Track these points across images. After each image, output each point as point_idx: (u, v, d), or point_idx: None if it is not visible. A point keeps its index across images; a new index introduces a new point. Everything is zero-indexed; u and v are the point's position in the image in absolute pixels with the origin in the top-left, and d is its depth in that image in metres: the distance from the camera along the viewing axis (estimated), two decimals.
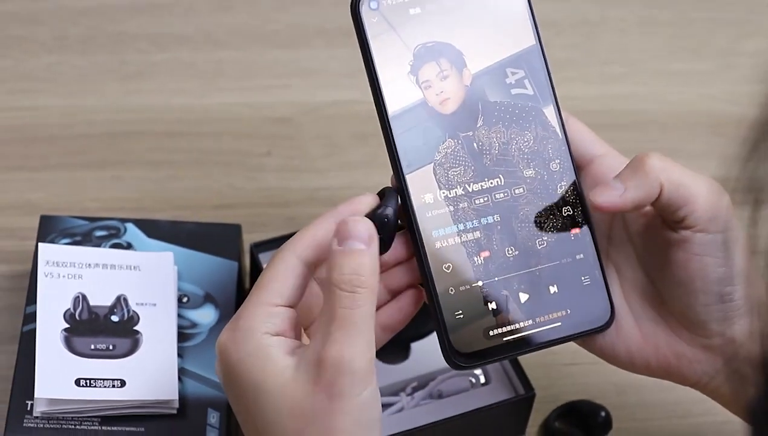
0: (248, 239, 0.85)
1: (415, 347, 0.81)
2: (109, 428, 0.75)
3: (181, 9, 1.06)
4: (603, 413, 0.82)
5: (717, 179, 0.66)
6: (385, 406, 0.79)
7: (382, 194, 0.67)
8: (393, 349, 0.81)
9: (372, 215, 0.66)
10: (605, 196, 0.65)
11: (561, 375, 0.83)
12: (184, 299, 0.81)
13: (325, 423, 0.61)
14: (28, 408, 0.75)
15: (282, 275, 0.65)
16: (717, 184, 0.66)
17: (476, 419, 0.79)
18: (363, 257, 0.62)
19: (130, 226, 0.84)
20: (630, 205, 0.65)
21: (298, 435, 0.62)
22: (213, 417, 0.76)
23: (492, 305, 0.67)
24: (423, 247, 0.66)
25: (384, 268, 0.67)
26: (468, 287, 0.66)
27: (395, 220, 0.66)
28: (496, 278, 0.67)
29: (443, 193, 0.66)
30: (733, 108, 1.01)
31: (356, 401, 0.61)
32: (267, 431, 0.63)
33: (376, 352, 0.74)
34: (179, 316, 0.80)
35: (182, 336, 0.79)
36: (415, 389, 0.81)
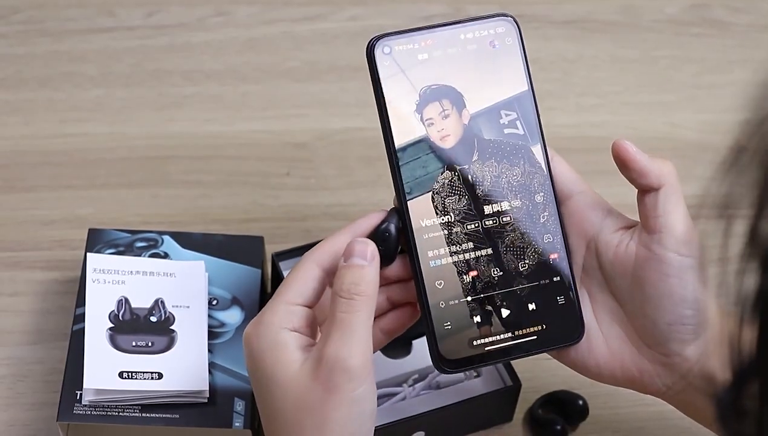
0: (270, 249, 0.85)
1: (416, 343, 0.81)
2: (148, 414, 0.75)
3: (210, 49, 1.06)
4: (580, 402, 0.81)
5: (691, 197, 0.66)
6: (389, 396, 0.79)
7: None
8: (396, 345, 0.81)
9: (376, 230, 0.66)
10: (627, 144, 0.66)
11: (543, 368, 0.82)
12: (214, 302, 0.81)
13: (320, 414, 0.61)
14: (78, 397, 0.75)
15: (302, 278, 0.65)
16: (692, 222, 0.66)
17: (470, 407, 0.78)
18: (362, 271, 0.63)
19: (166, 238, 0.84)
20: (636, 164, 0.65)
21: (298, 424, 0.61)
22: (239, 405, 0.76)
23: (477, 319, 0.66)
24: (419, 265, 0.66)
25: (386, 281, 0.68)
26: (456, 301, 0.66)
27: (396, 235, 0.66)
28: (482, 295, 0.67)
29: (439, 218, 0.66)
30: (694, 134, 1.01)
31: (350, 396, 0.61)
32: (275, 418, 0.63)
33: (382, 348, 0.74)
34: (209, 316, 0.80)
35: (212, 334, 0.79)
36: (416, 381, 0.80)
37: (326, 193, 0.95)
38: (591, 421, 0.81)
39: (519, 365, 0.79)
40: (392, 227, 0.66)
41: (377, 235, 0.66)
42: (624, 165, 0.66)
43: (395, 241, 0.66)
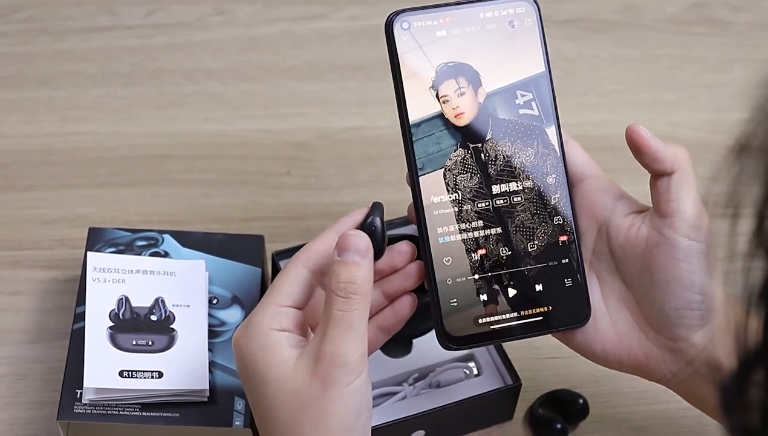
0: (270, 248, 0.85)
1: (417, 342, 0.81)
2: (148, 413, 0.75)
3: (211, 48, 1.05)
4: (581, 401, 0.81)
5: (705, 196, 0.66)
6: (389, 395, 0.79)
7: (372, 206, 0.67)
8: (397, 344, 0.81)
9: (362, 226, 0.66)
10: (642, 129, 0.65)
11: (544, 367, 0.82)
12: (214, 301, 0.81)
13: (318, 408, 0.61)
14: (78, 396, 0.75)
15: (290, 280, 0.65)
16: (703, 208, 0.66)
17: (470, 406, 0.78)
18: (358, 267, 0.63)
19: (167, 237, 0.84)
20: (650, 148, 0.65)
21: (295, 419, 0.62)
22: (239, 404, 0.76)
23: (483, 297, 0.66)
24: (428, 241, 0.66)
25: (380, 275, 0.68)
26: (464, 279, 0.66)
27: (382, 228, 0.66)
28: (489, 274, 0.67)
29: (450, 195, 0.66)
30: (695, 133, 1.01)
31: (347, 389, 0.61)
32: (270, 417, 0.63)
33: (383, 348, 0.73)
34: (210, 315, 0.80)
35: (212, 333, 0.79)
36: (416, 380, 0.80)
37: (327, 193, 0.95)
38: (591, 420, 0.81)
39: (519, 363, 0.79)
40: (377, 221, 0.66)
41: (364, 230, 0.66)
42: (638, 150, 0.66)
43: (382, 234, 0.66)
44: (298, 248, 0.83)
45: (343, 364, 0.61)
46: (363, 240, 0.64)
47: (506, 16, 0.67)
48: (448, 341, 0.66)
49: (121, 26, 1.06)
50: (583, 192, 0.68)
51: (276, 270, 0.83)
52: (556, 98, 0.68)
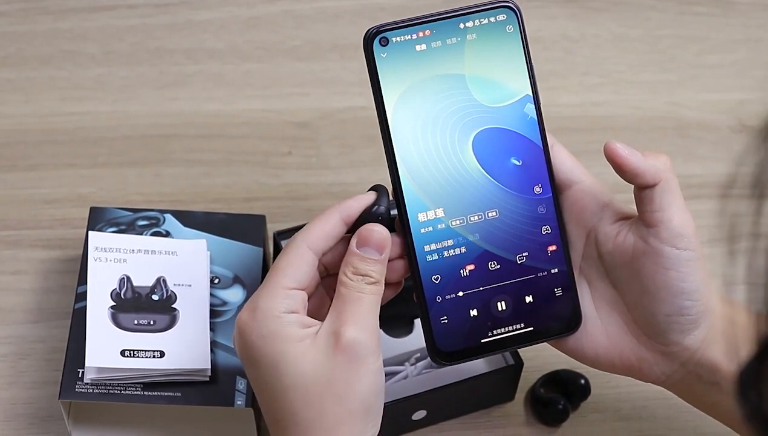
0: (272, 227, 0.85)
1: (418, 322, 0.81)
2: (150, 393, 0.75)
3: (212, 27, 1.05)
4: (582, 381, 0.81)
5: (693, 176, 0.65)
6: (391, 374, 0.79)
7: (375, 190, 0.66)
8: (398, 324, 0.81)
9: (368, 212, 0.65)
10: (618, 146, 0.65)
11: (546, 346, 0.81)
12: (216, 281, 0.81)
13: (343, 383, 0.61)
14: (80, 376, 0.75)
15: (295, 261, 0.65)
16: (689, 213, 0.65)
17: (471, 386, 0.78)
18: (376, 264, 0.64)
19: (168, 216, 0.84)
20: (629, 166, 0.64)
21: (318, 397, 0.61)
22: (241, 384, 0.76)
23: (474, 311, 0.66)
24: (416, 258, 0.65)
25: None
26: (453, 295, 0.66)
27: (388, 216, 0.66)
28: (480, 287, 0.66)
29: (437, 210, 0.66)
30: (696, 114, 1.01)
31: (371, 367, 0.62)
32: (286, 398, 0.62)
33: (385, 328, 0.73)
34: (211, 295, 0.80)
35: (214, 313, 0.79)
36: (418, 360, 0.80)
37: (328, 172, 0.95)
38: (593, 400, 0.81)
39: None
40: (383, 209, 0.66)
41: (369, 218, 0.65)
42: (618, 167, 0.65)
43: (388, 223, 0.66)
44: (299, 228, 0.83)
45: (365, 344, 0.62)
46: (384, 237, 0.64)
47: (487, 24, 0.66)
48: (440, 357, 0.66)
49: (122, 5, 1.06)
50: (571, 199, 0.68)
51: (277, 250, 0.83)
52: (540, 104, 0.67)
